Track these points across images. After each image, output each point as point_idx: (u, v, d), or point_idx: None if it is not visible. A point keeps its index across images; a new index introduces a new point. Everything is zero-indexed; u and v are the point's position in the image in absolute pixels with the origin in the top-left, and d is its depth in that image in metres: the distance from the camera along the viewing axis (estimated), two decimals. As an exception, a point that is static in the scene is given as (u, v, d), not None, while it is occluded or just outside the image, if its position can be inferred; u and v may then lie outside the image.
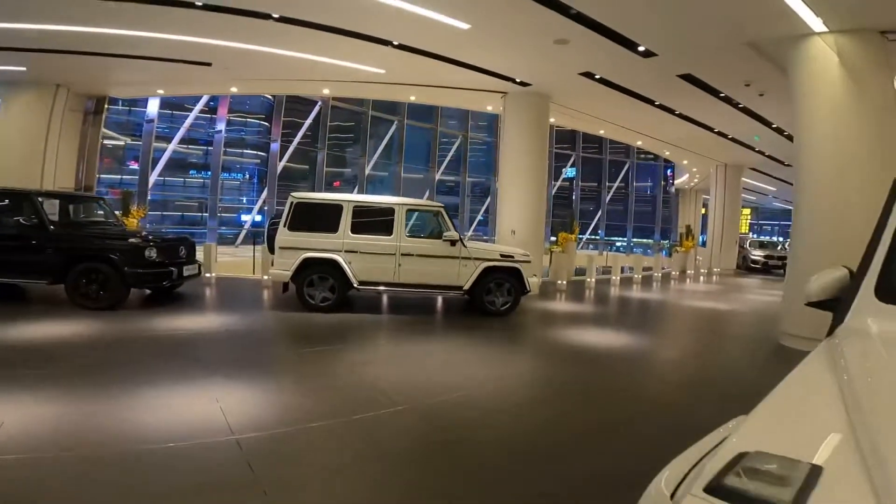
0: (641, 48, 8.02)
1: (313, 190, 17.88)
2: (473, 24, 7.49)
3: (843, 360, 1.47)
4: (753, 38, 7.28)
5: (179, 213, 22.66)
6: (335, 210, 7.54)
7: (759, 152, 16.70)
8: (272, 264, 7.84)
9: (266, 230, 8.31)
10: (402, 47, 8.63)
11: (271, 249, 7.78)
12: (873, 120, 6.46)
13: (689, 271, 17.66)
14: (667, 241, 26.27)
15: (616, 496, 2.82)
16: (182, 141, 20.39)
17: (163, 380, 4.24)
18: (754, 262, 20.72)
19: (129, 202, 12.35)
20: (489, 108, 14.23)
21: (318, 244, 7.44)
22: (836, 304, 1.92)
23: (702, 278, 16.81)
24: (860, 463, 0.87)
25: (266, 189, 19.83)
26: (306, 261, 7.40)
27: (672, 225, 28.51)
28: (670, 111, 12.02)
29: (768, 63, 7.88)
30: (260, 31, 8.06)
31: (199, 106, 19.96)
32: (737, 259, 21.10)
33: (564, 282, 11.89)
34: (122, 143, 19.77)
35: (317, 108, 19.30)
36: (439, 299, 8.95)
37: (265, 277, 9.60)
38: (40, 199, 7.21)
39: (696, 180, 24.64)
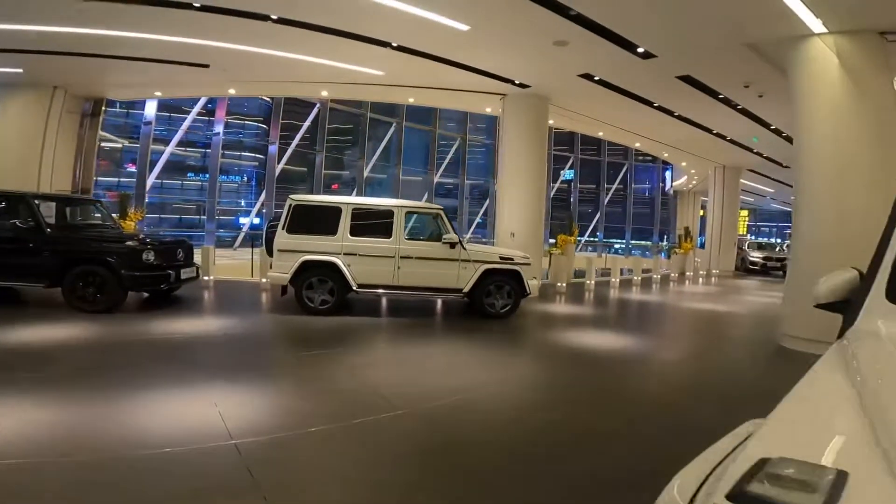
0: (641, 49, 8.02)
1: (312, 192, 17.84)
2: (473, 26, 7.48)
3: (857, 363, 1.45)
4: (753, 39, 7.28)
5: (177, 216, 22.58)
6: (334, 212, 7.50)
7: (758, 154, 16.73)
8: (271, 267, 7.80)
9: (265, 233, 8.28)
10: (401, 49, 8.61)
11: (270, 252, 7.73)
12: (873, 120, 6.46)
13: (687, 273, 17.66)
14: (664, 243, 26.29)
15: (616, 497, 2.80)
16: (180, 143, 20.32)
17: (161, 384, 4.19)
18: (753, 263, 20.73)
19: (127, 205, 12.28)
20: (488, 110, 14.23)
21: (316, 247, 7.40)
22: (846, 306, 1.90)
23: (701, 280, 16.81)
24: (885, 467, 0.85)
25: (264, 191, 19.76)
26: (305, 263, 7.36)
27: (670, 227, 28.53)
28: (669, 113, 12.03)
29: (768, 64, 7.88)
30: (258, 32, 8.04)
31: (197, 108, 19.90)
32: (735, 261, 21.12)
33: (564, 284, 11.87)
34: (119, 145, 19.70)
35: (315, 111, 19.26)
36: (439, 302, 8.91)
37: (264, 280, 9.55)
38: (37, 201, 7.16)
39: (694, 182, 24.69)
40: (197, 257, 8.73)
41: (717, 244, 20.54)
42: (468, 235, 22.57)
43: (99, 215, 8.40)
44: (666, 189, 29.79)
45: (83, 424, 3.33)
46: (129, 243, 7.22)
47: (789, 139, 12.80)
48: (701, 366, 6.15)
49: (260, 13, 7.35)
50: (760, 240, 29.79)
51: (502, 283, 7.81)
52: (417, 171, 22.47)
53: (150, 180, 17.90)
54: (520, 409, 4.18)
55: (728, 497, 0.83)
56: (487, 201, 24.38)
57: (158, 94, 13.99)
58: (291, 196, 7.69)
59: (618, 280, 13.74)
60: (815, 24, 6.38)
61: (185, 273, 7.79)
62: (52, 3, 7.22)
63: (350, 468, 2.98)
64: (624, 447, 3.48)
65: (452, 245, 7.58)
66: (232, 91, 13.79)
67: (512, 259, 7.89)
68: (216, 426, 3.39)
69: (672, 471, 1.13)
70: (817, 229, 6.74)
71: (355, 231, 7.49)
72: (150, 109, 16.37)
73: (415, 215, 8.15)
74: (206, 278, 9.65)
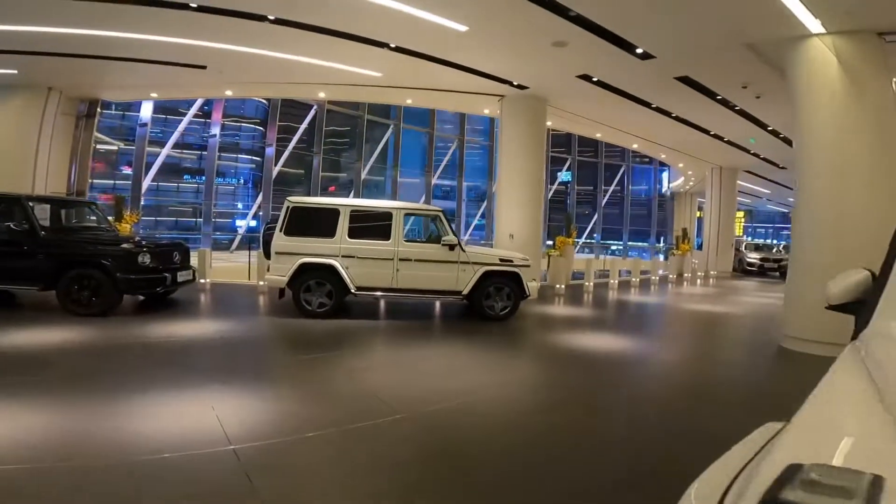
0: (640, 50, 8.01)
1: (308, 195, 17.78)
2: (471, 27, 7.45)
3: (875, 365, 1.42)
4: (752, 39, 7.28)
5: (173, 219, 22.47)
6: (332, 214, 7.45)
7: (755, 155, 16.78)
8: (268, 270, 7.74)
9: (262, 235, 8.22)
10: (399, 50, 8.57)
11: (267, 255, 7.67)
12: (872, 121, 6.46)
13: (685, 274, 17.68)
14: (661, 245, 26.33)
15: (618, 499, 2.76)
16: (176, 145, 20.25)
17: (157, 388, 4.13)
18: (750, 264, 20.77)
19: (123, 207, 12.20)
20: (486, 112, 14.22)
21: (314, 249, 7.34)
22: (859, 307, 1.86)
23: (699, 281, 16.82)
24: None
25: (261, 194, 19.68)
26: (303, 266, 7.30)
27: (667, 228, 28.57)
28: (667, 114, 12.04)
29: (766, 65, 7.89)
30: (255, 33, 7.99)
31: (193, 110, 19.83)
32: (733, 262, 21.16)
33: (563, 286, 11.84)
34: (115, 147, 19.60)
35: (312, 113, 19.21)
36: (438, 304, 8.86)
37: (261, 283, 9.49)
38: (31, 203, 7.08)
39: (691, 183, 24.75)
40: (193, 260, 8.66)
41: (714, 245, 20.58)
42: (466, 237, 22.55)
43: (94, 218, 8.32)
44: (662, 191, 29.86)
45: (78, 429, 3.27)
46: (124, 246, 7.15)
47: (786, 140, 12.86)
48: (702, 368, 6.12)
49: (257, 14, 7.30)
50: (757, 241, 29.85)
51: (502, 285, 7.77)
52: (415, 173, 22.43)
53: (146, 183, 17.81)
54: (521, 413, 4.13)
55: None
56: (485, 203, 24.36)
57: (154, 95, 13.92)
58: (289, 198, 7.63)
59: (616, 282, 13.73)
60: (814, 25, 6.38)
61: (182, 276, 7.72)
62: (46, 3, 7.15)
63: (350, 474, 2.92)
64: (625, 450, 3.44)
65: (452, 247, 7.53)
66: (229, 93, 13.73)
67: (511, 261, 7.84)
68: (214, 431, 3.34)
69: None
70: (817, 229, 6.73)
71: (353, 233, 7.43)
72: (146, 111, 16.30)
73: (414, 217, 8.10)
74: (202, 281, 9.58)
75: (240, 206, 23.75)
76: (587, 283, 12.51)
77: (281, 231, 7.37)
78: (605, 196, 28.39)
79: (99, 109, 13.38)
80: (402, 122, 20.72)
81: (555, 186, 27.22)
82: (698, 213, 27.20)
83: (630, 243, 28.35)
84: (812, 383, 1.33)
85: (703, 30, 7.22)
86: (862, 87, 6.46)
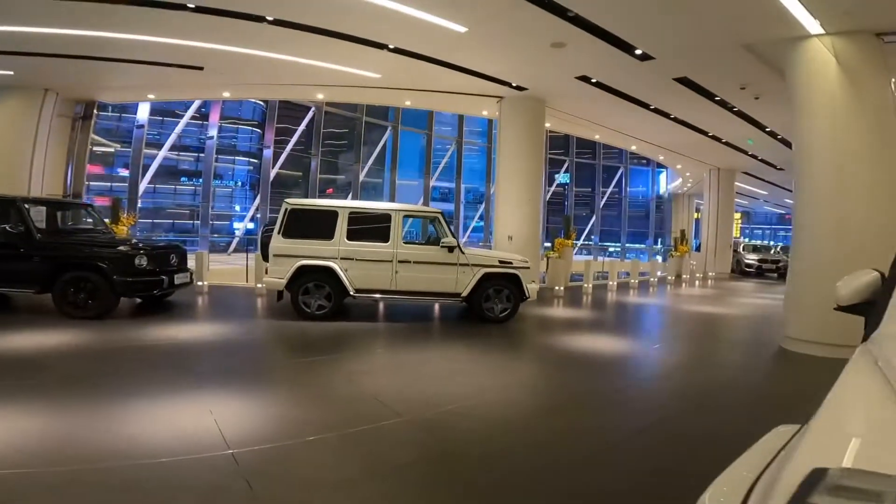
0: (638, 51, 8.00)
1: (306, 197, 17.73)
2: (470, 28, 7.43)
3: (889, 367, 1.39)
4: (750, 40, 7.28)
5: (170, 221, 22.40)
6: (330, 216, 7.41)
7: (753, 156, 16.81)
8: (266, 272, 7.69)
9: (260, 237, 8.17)
10: (397, 51, 8.55)
11: (265, 257, 7.63)
12: (871, 121, 6.46)
13: (684, 276, 17.68)
14: (660, 246, 26.34)
15: (618, 500, 2.73)
16: (173, 147, 20.20)
17: (154, 391, 4.08)
18: (748, 265, 20.80)
19: (119, 209, 12.13)
20: (485, 113, 14.20)
21: (313, 251, 7.30)
22: (868, 308, 1.84)
23: (697, 282, 16.81)
24: None
25: (259, 196, 19.63)
26: (301, 268, 7.26)
27: (666, 230, 28.60)
28: (665, 115, 12.04)
29: (765, 66, 7.89)
30: (253, 34, 7.95)
31: (191, 112, 19.77)
32: (731, 263, 21.18)
33: (562, 288, 11.82)
34: (111, 149, 19.53)
35: (310, 114, 19.17)
36: (437, 307, 8.82)
37: (259, 286, 9.43)
38: (27, 205, 7.02)
39: (689, 185, 24.78)
40: (191, 262, 8.61)
41: (712, 246, 20.61)
42: (465, 239, 22.53)
43: (90, 220, 8.27)
44: (660, 192, 29.90)
45: (74, 433, 3.22)
46: (121, 248, 7.09)
47: (784, 141, 12.89)
48: (703, 369, 6.08)
49: (255, 14, 7.26)
50: (755, 242, 29.89)
51: (501, 287, 7.73)
52: (413, 175, 22.41)
53: (143, 185, 17.73)
54: (522, 416, 4.10)
55: None
56: (483, 205, 24.35)
57: (151, 97, 13.85)
58: (287, 200, 7.60)
59: (615, 283, 13.72)
60: (813, 26, 6.38)
61: (179, 278, 7.66)
62: (43, 4, 7.10)
63: (350, 479, 2.88)
64: (626, 452, 3.41)
65: (451, 249, 7.50)
66: (226, 94, 13.69)
67: (511, 263, 7.81)
68: (212, 435, 3.29)
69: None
70: (817, 230, 6.72)
71: (352, 235, 7.40)
72: (143, 113, 16.23)
73: (413, 219, 8.07)
74: (199, 284, 9.52)
75: (237, 208, 23.69)
76: (586, 285, 12.49)
77: (279, 233, 7.33)
78: (603, 198, 28.40)
79: (95, 111, 13.31)
80: (400, 124, 20.68)
81: (553, 188, 27.22)
82: (696, 215, 27.25)
83: (628, 245, 28.34)
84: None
85: (702, 31, 7.22)
86: (861, 88, 6.47)
